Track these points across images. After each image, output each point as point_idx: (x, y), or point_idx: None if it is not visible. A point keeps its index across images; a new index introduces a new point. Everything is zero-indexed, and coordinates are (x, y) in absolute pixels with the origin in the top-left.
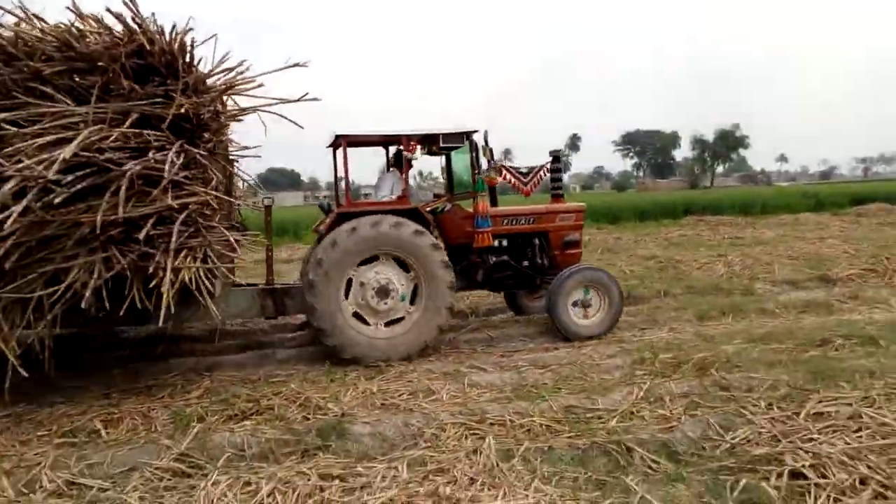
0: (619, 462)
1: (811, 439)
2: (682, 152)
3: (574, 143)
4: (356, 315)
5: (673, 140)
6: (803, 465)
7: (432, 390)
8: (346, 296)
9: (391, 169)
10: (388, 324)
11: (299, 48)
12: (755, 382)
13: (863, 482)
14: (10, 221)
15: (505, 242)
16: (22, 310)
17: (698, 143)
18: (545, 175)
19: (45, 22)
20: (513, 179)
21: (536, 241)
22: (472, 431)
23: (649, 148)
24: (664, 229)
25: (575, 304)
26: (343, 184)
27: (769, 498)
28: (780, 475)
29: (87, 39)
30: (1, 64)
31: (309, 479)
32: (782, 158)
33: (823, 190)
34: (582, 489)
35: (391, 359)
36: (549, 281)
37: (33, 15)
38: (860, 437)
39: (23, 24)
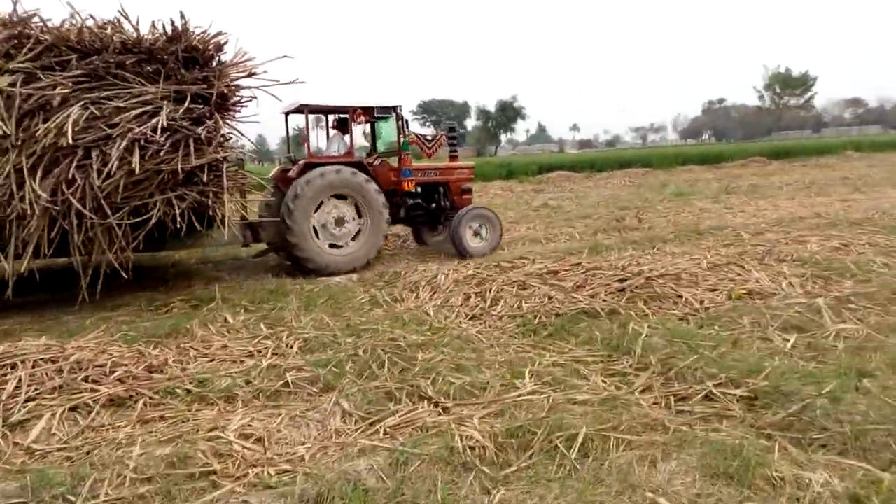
0: None
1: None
2: (473, 122)
3: None
4: (331, 245)
5: (464, 110)
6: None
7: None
8: (317, 235)
9: (333, 131)
10: (351, 240)
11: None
12: None
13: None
14: (137, 168)
15: (419, 189)
16: (110, 236)
17: (482, 113)
18: (444, 142)
19: (122, 22)
20: (420, 144)
21: (441, 189)
22: None
23: (444, 117)
24: None
25: (470, 231)
26: (303, 142)
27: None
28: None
29: (150, 37)
30: (95, 56)
31: None
32: (575, 128)
33: (517, 160)
34: None
35: (341, 271)
36: (449, 218)
37: (121, 16)
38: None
39: (89, 22)
